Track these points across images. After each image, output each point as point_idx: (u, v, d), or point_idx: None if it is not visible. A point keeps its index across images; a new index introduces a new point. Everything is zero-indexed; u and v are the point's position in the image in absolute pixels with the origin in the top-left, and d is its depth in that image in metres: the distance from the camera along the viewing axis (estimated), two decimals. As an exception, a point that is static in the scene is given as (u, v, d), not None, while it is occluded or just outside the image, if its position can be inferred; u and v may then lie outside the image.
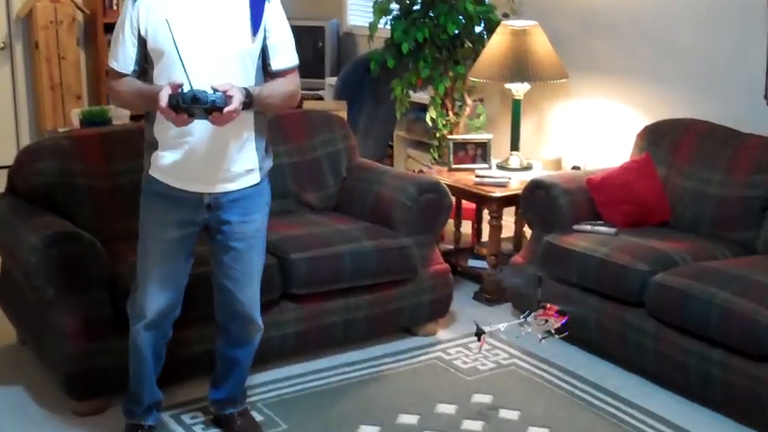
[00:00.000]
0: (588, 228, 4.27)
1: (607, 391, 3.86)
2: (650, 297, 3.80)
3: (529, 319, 2.89)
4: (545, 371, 4.04)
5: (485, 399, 3.78)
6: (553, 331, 2.89)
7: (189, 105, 2.78)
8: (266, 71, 3.11)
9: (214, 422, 3.52)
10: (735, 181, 4.20)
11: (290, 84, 3.14)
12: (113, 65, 3.05)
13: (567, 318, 2.97)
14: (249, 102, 2.91)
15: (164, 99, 2.79)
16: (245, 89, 2.91)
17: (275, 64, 3.10)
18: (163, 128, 3.01)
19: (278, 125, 4.47)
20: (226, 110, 2.81)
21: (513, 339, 3.18)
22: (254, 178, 3.15)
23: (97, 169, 3.99)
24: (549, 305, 2.91)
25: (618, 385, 3.91)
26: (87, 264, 3.51)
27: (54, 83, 7.09)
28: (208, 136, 2.98)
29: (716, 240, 4.16)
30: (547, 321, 2.90)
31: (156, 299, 3.14)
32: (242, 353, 3.39)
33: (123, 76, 3.04)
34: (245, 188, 3.12)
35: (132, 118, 5.27)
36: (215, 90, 2.81)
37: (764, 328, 3.38)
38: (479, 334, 2.95)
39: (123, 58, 3.02)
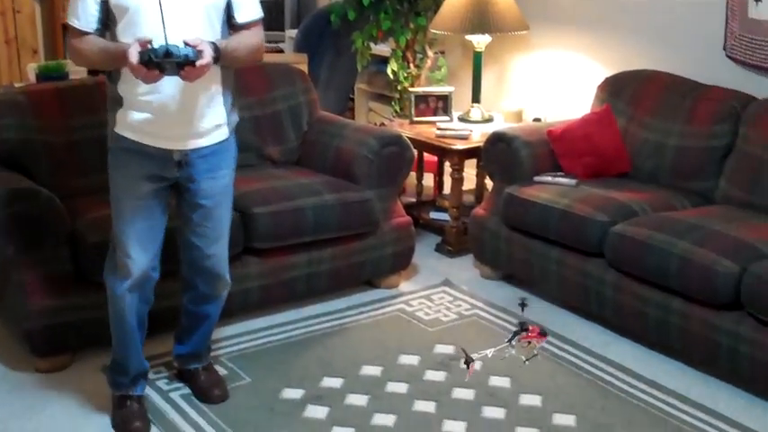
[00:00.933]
0: (549, 179, 4.30)
1: (568, 340, 3.91)
2: (610, 247, 3.85)
3: (513, 341, 2.93)
4: (507, 321, 4.08)
5: (447, 349, 3.82)
6: (536, 352, 2.95)
7: (161, 61, 2.72)
8: (230, 24, 3.08)
9: (178, 377, 3.53)
10: (694, 132, 4.24)
11: (255, 37, 3.11)
12: (74, 23, 2.95)
13: (547, 337, 3.02)
14: (217, 56, 2.88)
15: (134, 56, 2.73)
16: (213, 43, 2.87)
17: (240, 17, 3.06)
18: (129, 86, 2.95)
19: (238, 79, 4.42)
20: (198, 63, 2.76)
21: (497, 363, 3.31)
22: (223, 133, 3.12)
23: (54, 125, 3.93)
24: (531, 327, 2.94)
25: (578, 334, 3.96)
26: (46, 220, 3.48)
27: (9, 37, 6.96)
28: (176, 92, 2.94)
29: (675, 191, 4.21)
30: (530, 343, 2.94)
31: (139, 258, 3.09)
32: (210, 308, 3.38)
33: (85, 34, 2.95)
34: (214, 144, 3.10)
35: (89, 72, 5.19)
36: (186, 44, 2.77)
37: (722, 276, 3.44)
38: (468, 362, 2.98)
39: (85, 15, 2.94)
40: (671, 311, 3.64)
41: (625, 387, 3.55)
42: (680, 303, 3.62)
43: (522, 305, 2.95)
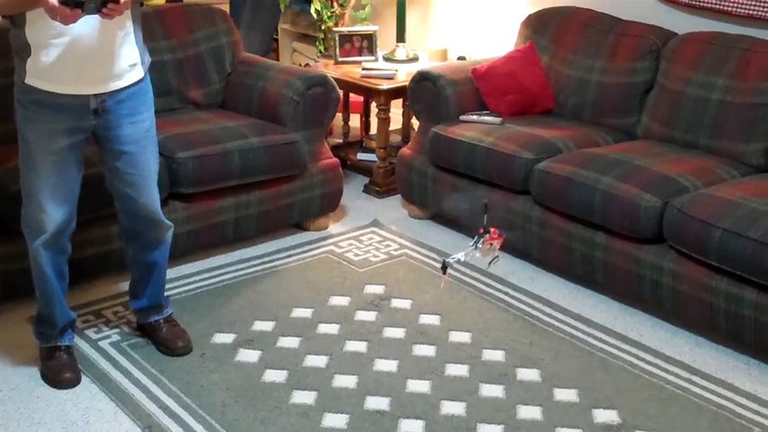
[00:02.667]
0: (474, 118, 4.32)
1: (494, 276, 3.97)
2: (535, 184, 3.89)
3: (479, 245, 2.95)
4: (435, 260, 4.12)
5: (377, 289, 3.85)
6: (497, 254, 2.97)
7: None
8: None
9: (138, 330, 3.47)
10: (616, 68, 4.29)
11: None
12: None
13: (504, 238, 3.04)
14: None
15: None
16: None
17: None
18: (37, 29, 2.83)
19: (158, 20, 4.35)
20: None
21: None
22: (138, 73, 3.05)
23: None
24: (492, 229, 2.96)
25: (505, 270, 4.01)
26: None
27: None
28: (90, 32, 2.84)
29: (598, 127, 4.27)
30: (491, 245, 2.96)
31: (53, 213, 3.01)
32: (158, 255, 3.33)
33: None
34: (131, 86, 3.02)
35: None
36: None
37: (645, 210, 3.51)
38: (444, 267, 2.99)
39: None
40: (595, 246, 3.71)
41: (552, 321, 3.62)
42: (604, 238, 3.69)
43: (485, 208, 2.97)
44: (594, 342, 3.47)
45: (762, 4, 4.00)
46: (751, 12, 4.04)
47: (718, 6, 4.15)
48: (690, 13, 4.30)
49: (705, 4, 4.19)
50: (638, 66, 4.22)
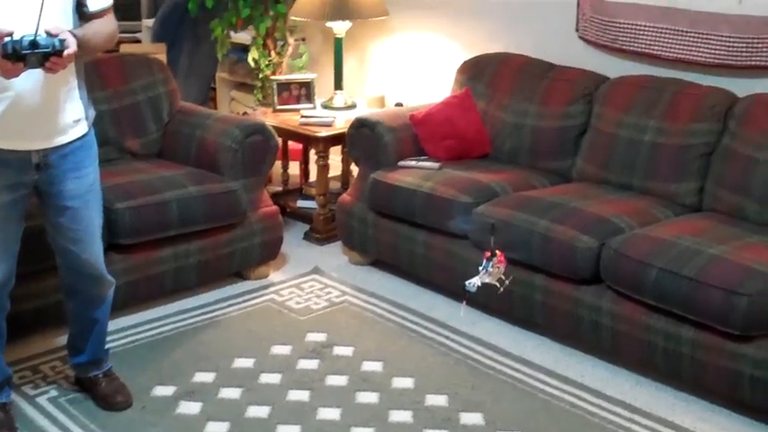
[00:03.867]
0: (413, 163, 4.35)
1: (436, 321, 3.98)
2: (473, 228, 3.92)
3: (488, 268, 2.92)
4: (376, 305, 4.12)
5: (319, 337, 3.83)
6: (503, 277, 2.94)
7: (29, 52, 2.59)
8: (81, 14, 2.98)
9: (77, 384, 3.41)
10: (550, 112, 4.36)
11: (110, 24, 3.02)
12: None
13: (507, 263, 3.01)
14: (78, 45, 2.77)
15: None
16: (71, 32, 2.77)
17: (92, 5, 2.96)
18: None
19: (94, 71, 4.31)
20: (66, 53, 2.64)
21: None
22: (83, 128, 3.02)
23: None
24: (499, 251, 2.93)
25: (446, 314, 4.03)
26: None
27: None
28: (33, 86, 2.81)
29: (534, 170, 4.32)
30: (499, 268, 2.93)
31: None
32: (99, 311, 3.28)
33: None
34: (74, 141, 2.99)
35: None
36: (48, 34, 2.66)
37: (582, 252, 3.56)
38: (465, 294, 2.92)
39: None
40: (535, 288, 3.75)
41: (493, 364, 3.64)
42: (543, 279, 3.72)
43: (492, 229, 2.94)
44: (536, 384, 3.49)
45: (689, 48, 4.10)
46: (679, 56, 4.14)
47: (648, 51, 4.24)
48: (621, 57, 4.39)
49: (635, 49, 4.29)
50: (571, 110, 4.30)
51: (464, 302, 3.01)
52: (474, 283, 2.92)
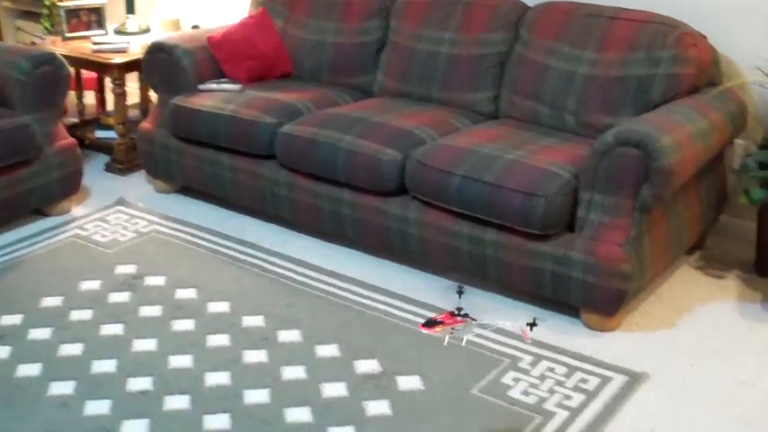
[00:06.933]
0: (214, 86, 4.28)
1: (247, 243, 3.98)
2: (280, 148, 3.92)
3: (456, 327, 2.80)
4: (185, 233, 4.08)
5: (129, 269, 3.76)
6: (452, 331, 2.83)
7: None
8: None
9: None
10: (348, 29, 4.37)
11: None
12: None
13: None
14: None
15: None
16: None
17: None
18: None
19: None
20: None
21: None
22: None
23: None
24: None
25: (257, 236, 4.04)
26: None
27: None
28: None
29: (336, 87, 4.34)
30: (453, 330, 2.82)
31: None
32: None
33: None
34: None
35: None
36: None
37: (386, 164, 3.62)
38: (532, 325, 2.76)
39: None
40: (343, 203, 3.80)
41: (307, 281, 3.68)
42: (350, 194, 3.77)
43: (460, 293, 2.88)
44: (350, 296, 3.56)
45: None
46: (469, -34, 4.21)
47: (439, -37, 4.30)
48: (413, -30, 4.43)
49: (427, -38, 4.34)
50: (368, 25, 4.33)
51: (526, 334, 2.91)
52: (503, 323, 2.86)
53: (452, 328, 2.71)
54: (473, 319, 2.75)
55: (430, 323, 2.73)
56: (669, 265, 3.61)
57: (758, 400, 2.97)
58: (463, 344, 3.00)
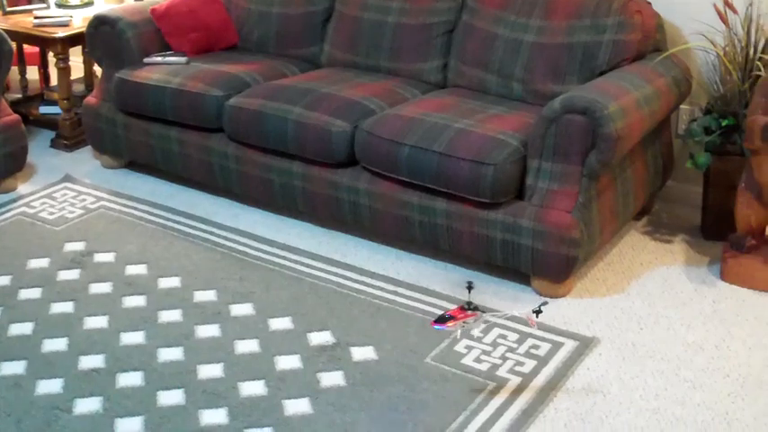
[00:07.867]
0: (159, 59, 4.23)
1: (198, 218, 3.95)
2: (228, 121, 3.89)
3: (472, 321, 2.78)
4: (135, 208, 4.04)
5: (78, 246, 3.72)
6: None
7: None
8: None
9: None
10: (294, -2, 4.35)
11: None
12: None
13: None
14: None
15: None
16: None
17: None
18: None
19: None
20: None
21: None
22: None
23: None
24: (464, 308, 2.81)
25: (208, 211, 4.01)
26: None
27: None
28: None
29: (284, 59, 4.31)
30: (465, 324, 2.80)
31: None
32: None
33: None
34: None
35: None
36: None
37: (336, 135, 3.61)
38: (538, 312, 2.74)
39: None
40: (293, 176, 3.78)
41: (259, 254, 3.67)
42: (301, 167, 3.76)
43: (469, 288, 2.87)
44: (302, 269, 3.56)
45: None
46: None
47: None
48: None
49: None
50: (315, -5, 4.31)
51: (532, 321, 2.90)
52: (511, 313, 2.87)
53: (464, 322, 2.76)
54: (483, 312, 2.80)
55: (441, 319, 2.75)
56: (618, 230, 3.65)
57: (706, 361, 3.03)
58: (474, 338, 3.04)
